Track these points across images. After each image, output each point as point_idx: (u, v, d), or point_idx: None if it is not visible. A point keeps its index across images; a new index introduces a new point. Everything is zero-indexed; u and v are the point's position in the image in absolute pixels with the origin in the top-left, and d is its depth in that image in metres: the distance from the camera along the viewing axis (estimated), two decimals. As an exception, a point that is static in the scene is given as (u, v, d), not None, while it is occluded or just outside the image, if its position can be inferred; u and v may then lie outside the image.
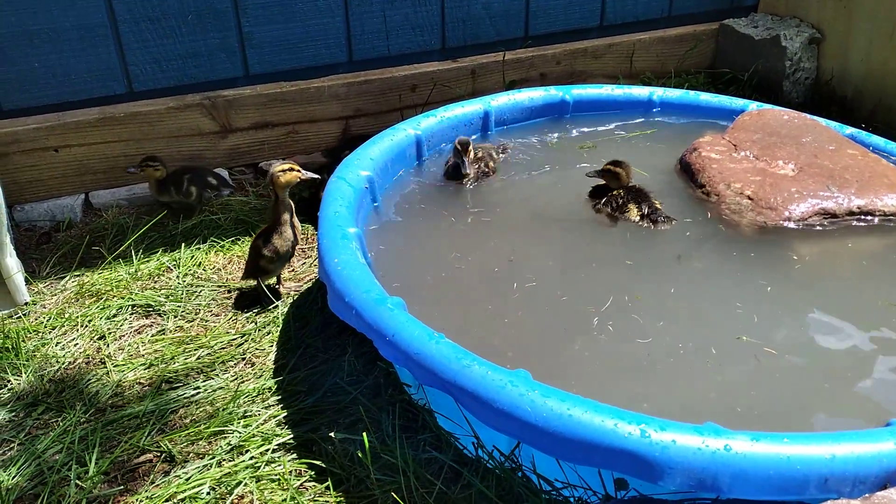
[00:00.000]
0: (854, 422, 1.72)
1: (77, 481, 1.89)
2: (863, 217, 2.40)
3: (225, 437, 2.01)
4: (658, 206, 2.51)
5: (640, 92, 3.34)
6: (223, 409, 2.10)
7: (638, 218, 2.48)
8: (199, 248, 2.87)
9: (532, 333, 2.07)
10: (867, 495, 1.45)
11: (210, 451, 1.97)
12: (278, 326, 2.45)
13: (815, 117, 3.00)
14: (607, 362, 1.96)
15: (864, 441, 1.47)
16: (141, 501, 1.84)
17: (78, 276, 2.74)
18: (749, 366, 1.91)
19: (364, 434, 1.88)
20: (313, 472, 1.91)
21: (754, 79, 4.16)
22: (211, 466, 1.93)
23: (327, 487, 1.86)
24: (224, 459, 1.95)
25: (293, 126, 3.54)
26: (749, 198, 2.44)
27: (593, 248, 2.46)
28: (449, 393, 1.70)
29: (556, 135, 3.21)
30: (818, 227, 2.39)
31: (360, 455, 1.87)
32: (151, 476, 1.92)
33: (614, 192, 2.56)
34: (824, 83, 3.99)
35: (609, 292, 2.19)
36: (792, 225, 2.38)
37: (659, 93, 3.32)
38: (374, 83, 3.62)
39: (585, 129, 3.25)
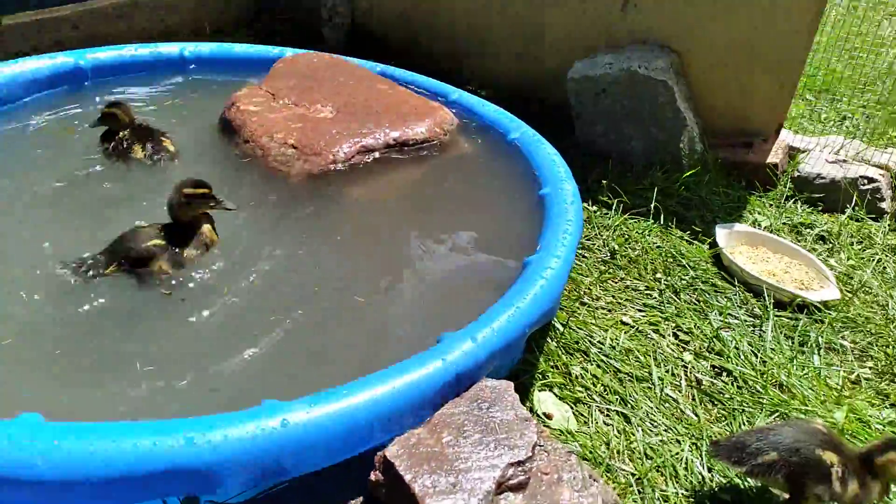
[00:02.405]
0: (416, 344, 1.73)
1: None
2: (399, 147, 2.50)
3: None
4: (165, 143, 2.45)
5: (169, 49, 2.99)
6: None
7: (142, 156, 2.40)
8: None
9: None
10: (428, 419, 1.46)
11: None
12: None
13: (348, 58, 3.05)
14: (159, 346, 1.67)
15: (415, 369, 1.46)
16: None
17: None
18: (318, 317, 1.82)
19: None
20: None
21: (299, 27, 4.13)
22: None
23: None
24: None
25: None
26: (293, 146, 2.34)
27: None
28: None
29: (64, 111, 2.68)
30: (363, 165, 2.40)
31: None
32: None
33: (120, 135, 2.44)
34: (360, 26, 4.15)
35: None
36: (339, 166, 2.35)
37: (190, 48, 3.01)
38: None
39: (112, 96, 2.79)
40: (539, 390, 2.01)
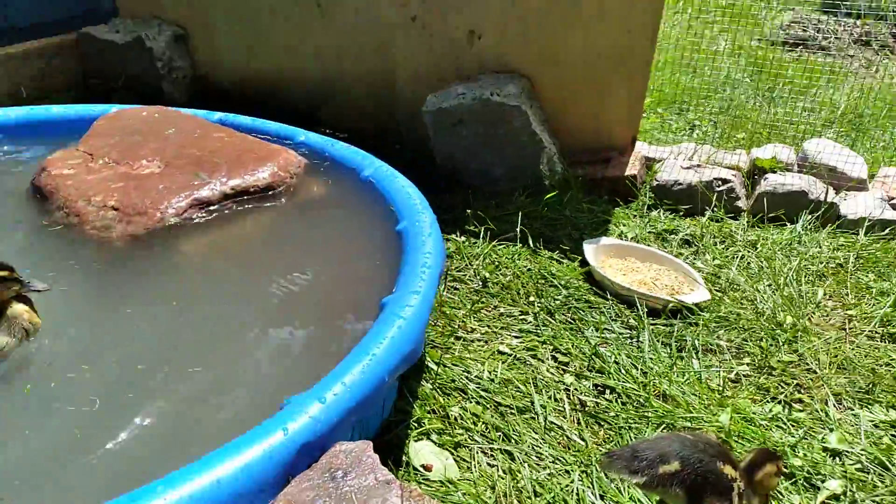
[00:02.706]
0: (258, 414, 1.52)
1: None
2: (240, 196, 2.29)
3: None
4: None
5: (-33, 118, 2.65)
6: None
7: None
8: None
9: None
10: (271, 502, 1.25)
11: None
12: None
13: (185, 109, 2.82)
14: None
15: (247, 447, 1.24)
16: None
17: None
18: (142, 401, 1.56)
19: None
20: None
21: (136, 85, 3.84)
22: None
23: None
24: None
25: None
26: (115, 208, 2.08)
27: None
28: None
29: None
30: (199, 219, 2.18)
31: None
32: None
33: None
34: (202, 77, 3.93)
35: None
36: (170, 224, 2.11)
37: (-6, 115, 2.68)
38: None
39: None
40: (415, 440, 1.83)
